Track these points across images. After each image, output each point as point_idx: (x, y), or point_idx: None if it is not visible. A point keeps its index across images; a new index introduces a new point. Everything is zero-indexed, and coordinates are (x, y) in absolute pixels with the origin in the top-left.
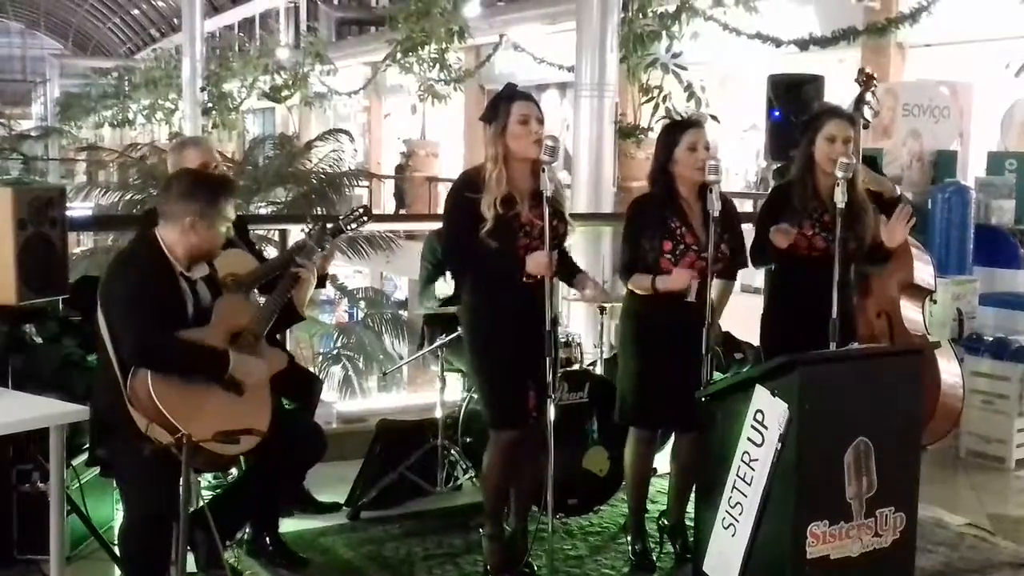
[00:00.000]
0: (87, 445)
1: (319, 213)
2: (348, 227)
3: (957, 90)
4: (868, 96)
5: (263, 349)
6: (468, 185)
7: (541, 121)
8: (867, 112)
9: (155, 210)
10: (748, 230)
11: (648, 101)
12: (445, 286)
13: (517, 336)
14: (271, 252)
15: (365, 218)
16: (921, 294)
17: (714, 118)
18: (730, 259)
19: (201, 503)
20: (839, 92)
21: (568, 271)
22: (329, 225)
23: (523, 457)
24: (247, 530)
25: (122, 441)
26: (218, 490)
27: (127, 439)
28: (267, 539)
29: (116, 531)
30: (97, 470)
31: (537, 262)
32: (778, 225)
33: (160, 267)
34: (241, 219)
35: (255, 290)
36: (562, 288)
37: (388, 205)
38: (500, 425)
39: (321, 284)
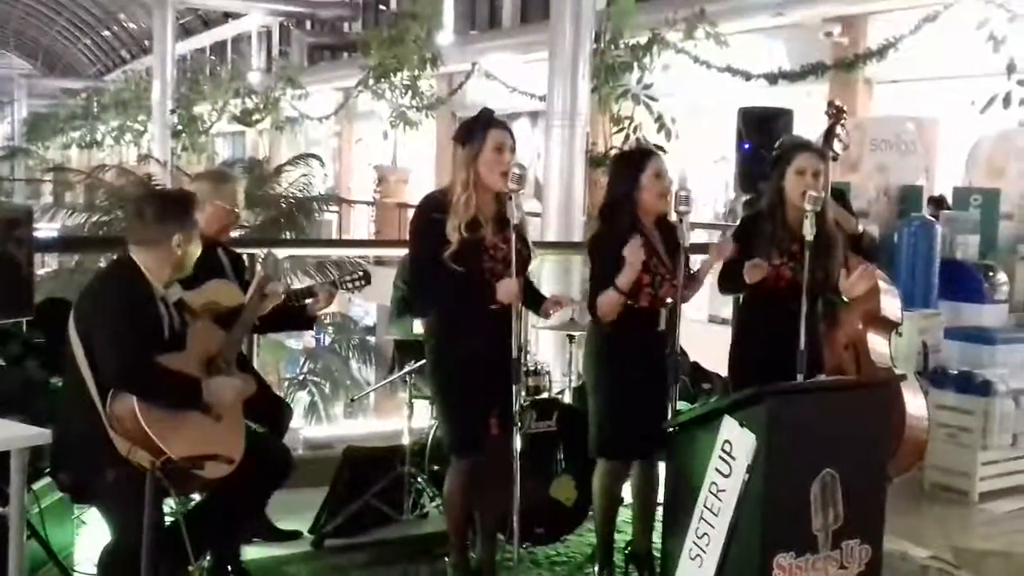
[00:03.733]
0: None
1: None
2: (344, 286)
3: (923, 126)
4: (838, 129)
5: (234, 375)
6: (435, 206)
7: (514, 151)
8: (837, 145)
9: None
10: None
11: (619, 131)
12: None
13: (483, 364)
14: None
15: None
16: (888, 327)
17: (660, 148)
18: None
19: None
20: (808, 126)
21: (532, 298)
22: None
23: (487, 484)
24: (208, 558)
25: (103, 466)
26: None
27: (108, 464)
28: (229, 567)
29: (75, 556)
30: (59, 495)
31: (507, 290)
32: (752, 261)
33: (143, 290)
34: (239, 255)
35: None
36: (531, 316)
37: (358, 231)
38: (460, 452)
39: (308, 326)
